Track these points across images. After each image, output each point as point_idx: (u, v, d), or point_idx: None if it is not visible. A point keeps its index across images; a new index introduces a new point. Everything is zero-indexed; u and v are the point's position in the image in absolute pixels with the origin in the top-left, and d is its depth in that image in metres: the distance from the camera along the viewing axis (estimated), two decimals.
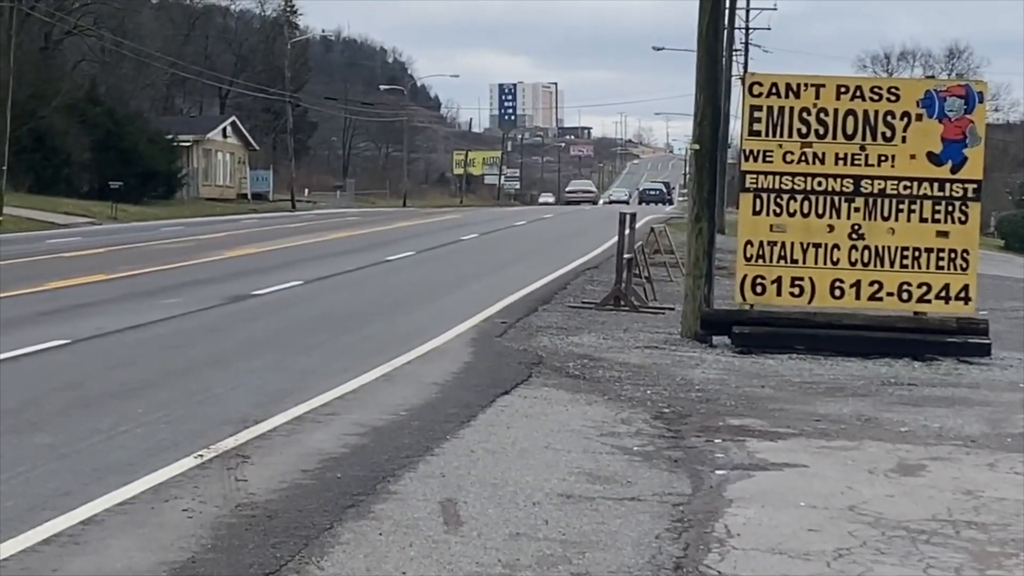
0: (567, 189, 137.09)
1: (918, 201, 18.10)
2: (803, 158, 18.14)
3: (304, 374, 14.79)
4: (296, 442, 11.17)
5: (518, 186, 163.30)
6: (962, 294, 18.17)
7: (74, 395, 13.30)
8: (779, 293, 18.27)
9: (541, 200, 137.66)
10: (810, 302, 18.31)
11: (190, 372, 14.92)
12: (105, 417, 12.04)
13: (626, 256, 23.71)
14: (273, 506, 8.99)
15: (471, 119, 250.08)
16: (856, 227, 18.14)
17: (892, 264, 18.14)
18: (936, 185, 18.09)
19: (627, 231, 23.89)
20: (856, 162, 18.11)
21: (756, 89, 18.25)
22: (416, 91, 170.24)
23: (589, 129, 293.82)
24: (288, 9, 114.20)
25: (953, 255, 18.13)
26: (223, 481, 9.69)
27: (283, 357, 16.11)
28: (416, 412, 12.67)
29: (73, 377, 14.50)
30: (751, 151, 18.27)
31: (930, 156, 18.08)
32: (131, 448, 10.76)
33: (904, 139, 18.08)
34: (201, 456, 10.42)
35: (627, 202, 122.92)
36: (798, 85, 18.19)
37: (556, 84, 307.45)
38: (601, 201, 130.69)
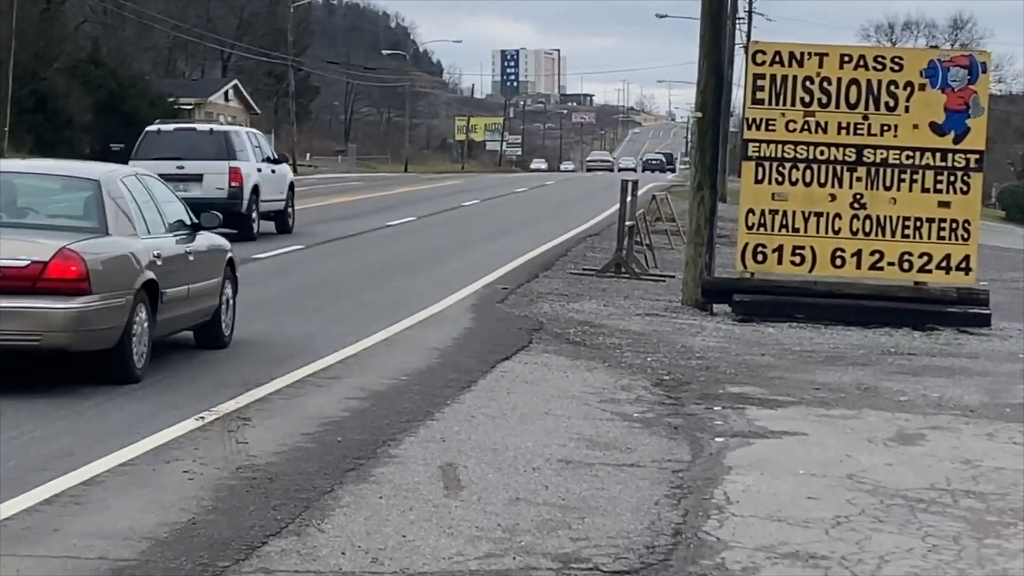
0: (588, 159, 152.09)
1: (920, 171, 18.08)
2: (806, 127, 18.12)
3: (305, 338, 14.80)
4: (297, 405, 11.20)
5: (520, 152, 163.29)
6: (963, 264, 18.17)
7: None
8: (780, 262, 18.26)
9: (533, 166, 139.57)
10: (811, 271, 18.31)
11: (190, 335, 14.92)
12: None
13: (628, 223, 23.69)
14: (274, 468, 9.02)
15: (473, 85, 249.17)
16: (858, 196, 18.12)
17: (893, 234, 18.13)
18: (938, 155, 18.07)
19: (629, 198, 23.87)
20: (859, 131, 18.09)
21: (759, 58, 18.22)
22: (418, 56, 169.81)
23: (591, 96, 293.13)
24: None
25: (954, 225, 18.12)
26: (224, 443, 9.71)
27: (283, 321, 16.13)
28: (417, 377, 12.69)
29: None
30: (754, 119, 18.24)
31: (933, 126, 18.05)
32: (132, 410, 10.79)
33: (907, 109, 18.05)
34: (202, 418, 10.44)
35: (634, 169, 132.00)
36: (802, 54, 18.15)
37: (559, 51, 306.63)
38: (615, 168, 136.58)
